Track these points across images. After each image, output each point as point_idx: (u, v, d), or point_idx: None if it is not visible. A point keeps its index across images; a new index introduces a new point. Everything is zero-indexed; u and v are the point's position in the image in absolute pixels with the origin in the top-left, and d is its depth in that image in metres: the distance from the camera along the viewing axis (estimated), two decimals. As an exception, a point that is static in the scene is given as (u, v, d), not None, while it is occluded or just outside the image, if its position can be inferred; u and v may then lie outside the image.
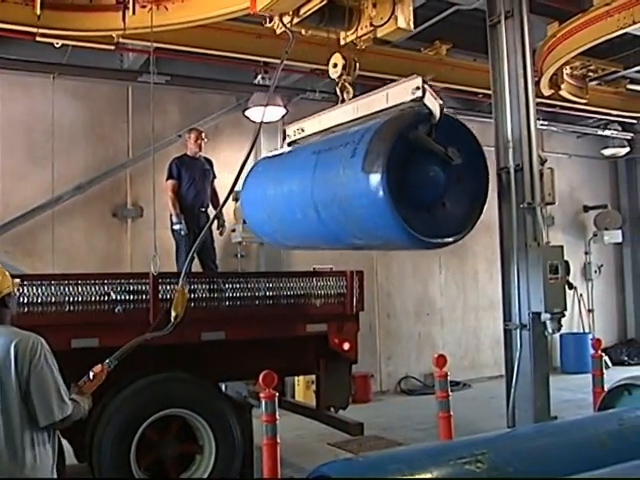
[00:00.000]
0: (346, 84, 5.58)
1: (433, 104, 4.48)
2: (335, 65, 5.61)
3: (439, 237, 4.61)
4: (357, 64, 5.57)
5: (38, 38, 7.53)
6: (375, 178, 4.21)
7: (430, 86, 4.61)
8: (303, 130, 5.91)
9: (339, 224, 4.81)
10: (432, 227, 4.47)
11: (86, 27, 7.51)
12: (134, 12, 7.08)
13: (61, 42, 7.83)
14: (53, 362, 3.36)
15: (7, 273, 3.56)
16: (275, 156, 6.21)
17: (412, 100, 4.63)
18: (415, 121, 4.48)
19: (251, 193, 6.09)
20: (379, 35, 5.65)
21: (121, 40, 7.94)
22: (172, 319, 5.28)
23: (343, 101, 5.59)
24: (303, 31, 6.02)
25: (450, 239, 4.74)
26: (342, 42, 5.94)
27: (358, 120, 5.18)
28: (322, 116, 5.69)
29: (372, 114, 5.02)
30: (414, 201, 4.35)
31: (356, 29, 5.76)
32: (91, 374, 3.77)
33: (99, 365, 3.89)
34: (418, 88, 4.55)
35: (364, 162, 4.31)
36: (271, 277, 7.00)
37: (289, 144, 6.15)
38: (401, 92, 4.75)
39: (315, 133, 5.77)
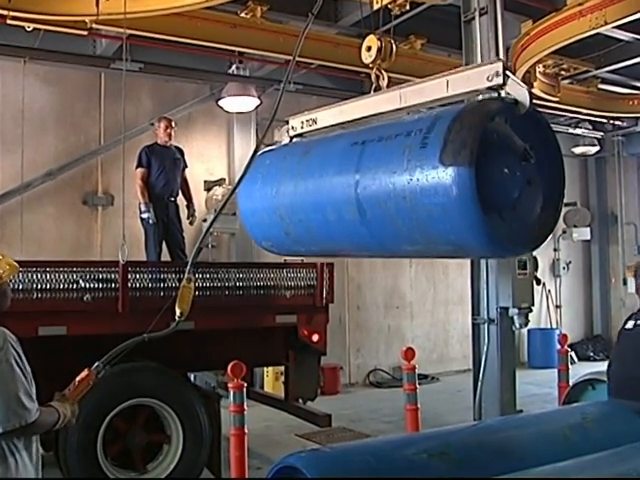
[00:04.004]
0: (381, 70, 4.91)
1: (520, 92, 3.92)
2: (369, 48, 4.91)
3: (513, 244, 4.07)
4: (394, 47, 4.93)
5: (9, 21, 7.41)
6: (459, 172, 3.63)
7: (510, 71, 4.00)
8: (315, 122, 5.20)
9: (393, 227, 4.14)
10: (505, 232, 3.94)
11: (58, 11, 7.41)
12: (108, -2, 7.02)
13: (33, 26, 7.72)
14: (18, 360, 3.07)
15: None
16: (286, 149, 5.32)
17: (488, 88, 4.04)
18: (498, 110, 3.94)
19: (256, 191, 5.16)
20: None
21: (94, 26, 7.84)
22: (177, 317, 4.59)
23: (377, 89, 4.93)
24: None
25: (524, 247, 4.24)
26: (375, 6, 5.27)
27: (404, 110, 4.51)
28: (344, 106, 4.98)
29: (426, 103, 4.39)
30: (487, 202, 3.77)
31: None
32: (77, 380, 3.49)
33: (85, 370, 3.58)
34: (498, 74, 3.96)
35: (442, 153, 3.72)
36: (241, 268, 7.00)
37: (292, 137, 5.42)
38: (470, 79, 4.17)
39: (336, 124, 5.02)
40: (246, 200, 5.24)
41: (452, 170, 3.65)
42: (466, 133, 3.72)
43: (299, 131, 5.30)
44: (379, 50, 4.86)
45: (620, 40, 9.91)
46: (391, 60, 4.92)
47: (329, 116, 5.07)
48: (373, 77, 4.94)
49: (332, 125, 5.04)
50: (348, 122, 4.90)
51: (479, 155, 3.67)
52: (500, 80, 3.94)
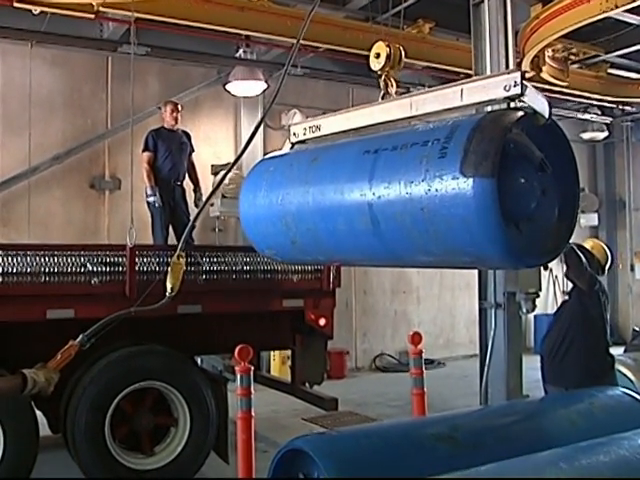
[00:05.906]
0: (390, 77, 4.79)
1: (539, 103, 3.86)
2: (378, 55, 4.80)
3: (530, 255, 4.01)
4: (403, 54, 4.81)
5: (16, 4, 7.40)
6: (481, 183, 3.57)
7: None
8: (319, 128, 5.03)
9: (408, 238, 4.05)
10: (522, 244, 3.88)
11: (65, -6, 7.40)
12: (115, -20, 6.99)
13: (39, 9, 7.69)
14: None
15: None
16: (291, 156, 5.12)
17: (506, 98, 3.96)
18: (518, 121, 3.87)
19: (259, 198, 4.95)
20: None
21: (101, 9, 7.81)
22: (167, 292, 4.85)
23: (385, 96, 4.82)
24: None
25: (540, 258, 4.17)
26: None
27: (415, 118, 4.43)
28: (351, 113, 4.85)
29: (439, 112, 4.30)
30: (506, 213, 3.72)
31: None
32: (60, 352, 3.70)
33: (70, 342, 3.79)
34: (516, 84, 3.88)
35: (463, 164, 3.65)
36: (248, 251, 6.99)
37: (293, 144, 5.25)
38: (487, 88, 4.08)
39: (343, 132, 4.87)
40: (249, 207, 5.07)
41: (474, 181, 3.58)
42: (487, 144, 3.66)
43: (301, 137, 5.15)
44: (388, 57, 4.75)
45: (630, 24, 9.81)
46: (400, 67, 4.81)
47: (334, 123, 4.94)
48: (382, 84, 4.83)
49: (337, 132, 4.90)
50: (354, 130, 4.78)
51: (499, 166, 3.62)
52: (518, 90, 3.86)
